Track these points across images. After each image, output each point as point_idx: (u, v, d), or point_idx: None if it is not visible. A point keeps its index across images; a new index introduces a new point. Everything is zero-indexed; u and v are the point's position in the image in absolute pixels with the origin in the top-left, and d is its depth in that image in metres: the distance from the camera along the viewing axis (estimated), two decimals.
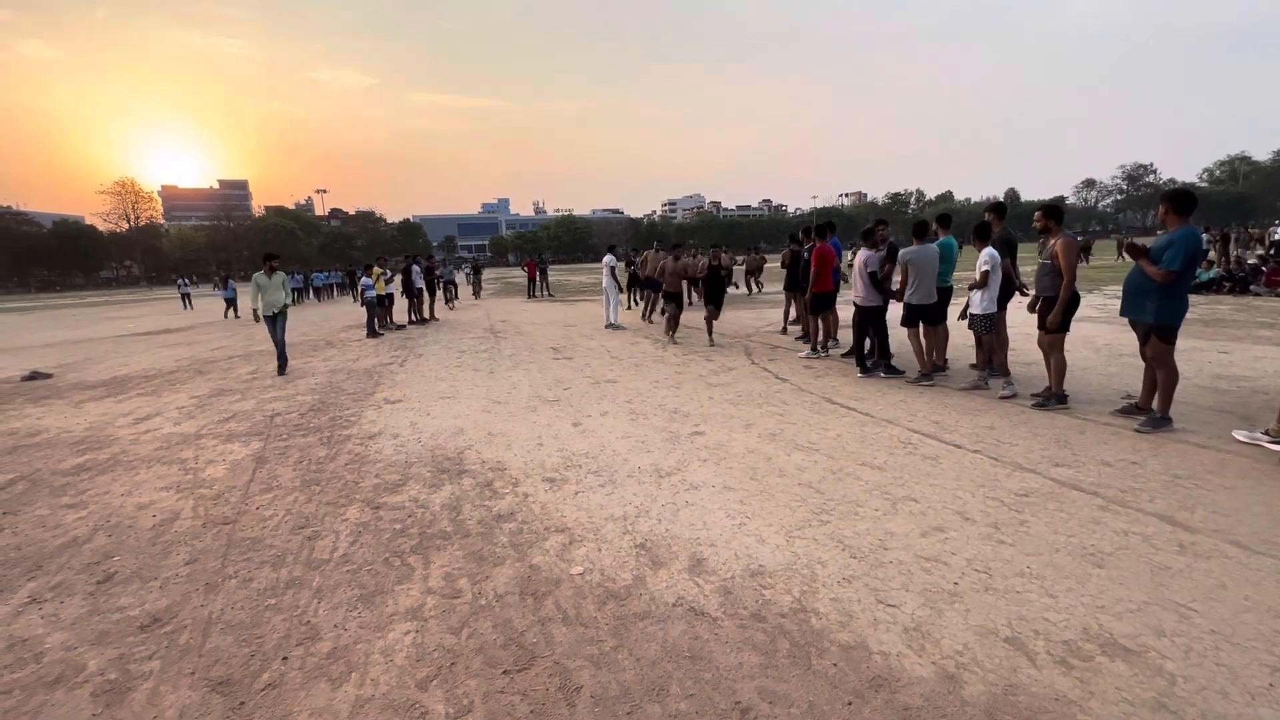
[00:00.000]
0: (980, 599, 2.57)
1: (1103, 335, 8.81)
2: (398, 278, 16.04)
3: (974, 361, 6.68)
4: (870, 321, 6.85)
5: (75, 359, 11.75)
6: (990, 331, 5.90)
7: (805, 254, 8.83)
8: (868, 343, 7.07)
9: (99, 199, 79.37)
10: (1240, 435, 4.27)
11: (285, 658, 2.40)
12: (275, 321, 8.71)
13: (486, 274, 56.67)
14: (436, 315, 16.62)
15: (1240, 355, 7.03)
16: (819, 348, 8.33)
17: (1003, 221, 6.24)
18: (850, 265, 7.52)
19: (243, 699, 2.19)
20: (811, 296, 8.03)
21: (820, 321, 8.30)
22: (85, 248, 74.43)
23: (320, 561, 3.16)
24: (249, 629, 2.60)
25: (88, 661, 2.44)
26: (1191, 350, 7.23)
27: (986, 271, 5.67)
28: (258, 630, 2.59)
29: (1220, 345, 7.64)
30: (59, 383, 9.07)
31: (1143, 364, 4.88)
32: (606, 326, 12.23)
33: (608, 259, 12.49)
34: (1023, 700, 2.01)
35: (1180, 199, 4.47)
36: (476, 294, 24.84)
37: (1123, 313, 4.78)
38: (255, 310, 8.70)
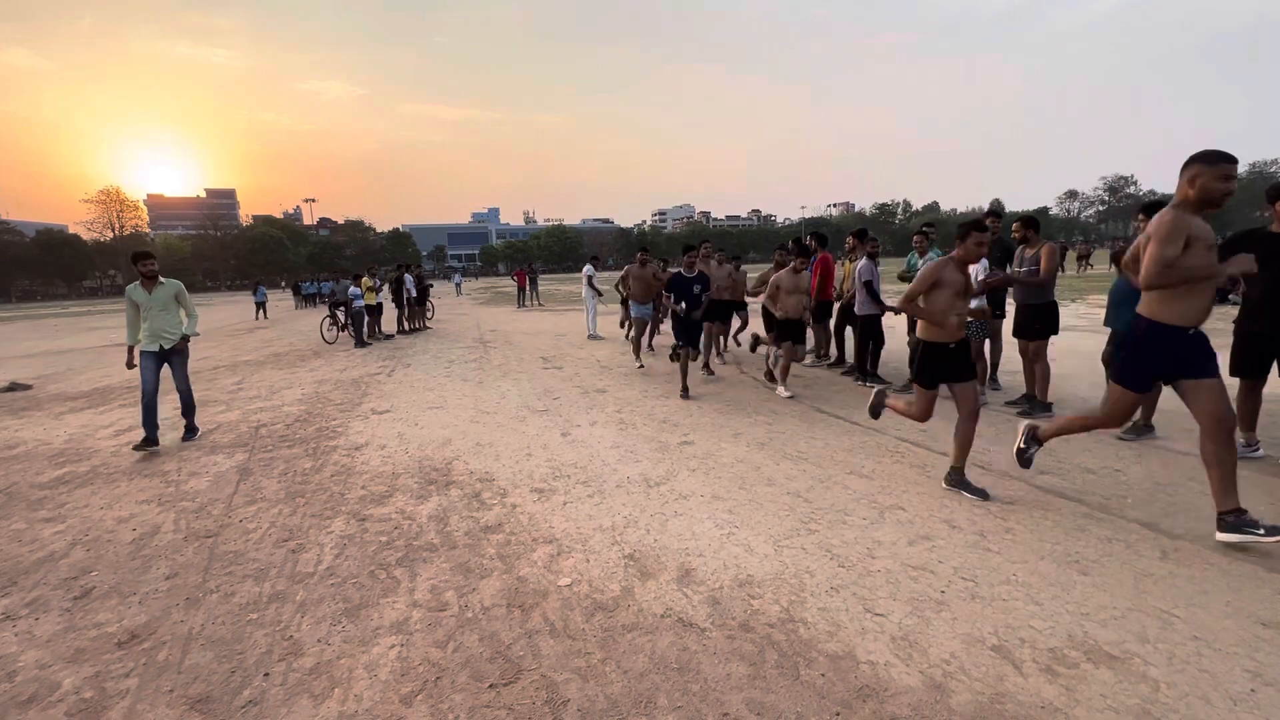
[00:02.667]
0: (967, 607, 2.58)
1: (1087, 344, 8.93)
2: (386, 287, 15.99)
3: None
4: (870, 331, 6.91)
5: (56, 369, 11.56)
6: (987, 337, 6.02)
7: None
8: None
9: (83, 208, 78.87)
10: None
11: (267, 674, 2.36)
12: (164, 363, 5.59)
13: (472, 284, 54.51)
14: (428, 325, 16.57)
15: (1220, 363, 7.14)
16: (821, 355, 8.42)
17: (999, 226, 6.30)
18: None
19: (222, 717, 2.14)
20: (817, 305, 8.09)
21: (820, 330, 8.39)
22: (68, 257, 73.50)
23: (304, 575, 3.11)
24: (230, 645, 2.55)
25: (63, 680, 2.38)
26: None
27: (983, 280, 5.72)
28: (239, 646, 2.54)
29: None
30: (39, 394, 8.92)
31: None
32: (589, 337, 12.34)
33: (587, 269, 12.90)
34: (1009, 709, 2.01)
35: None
36: (407, 322, 15.65)
37: (1108, 323, 4.85)
38: (131, 348, 5.65)
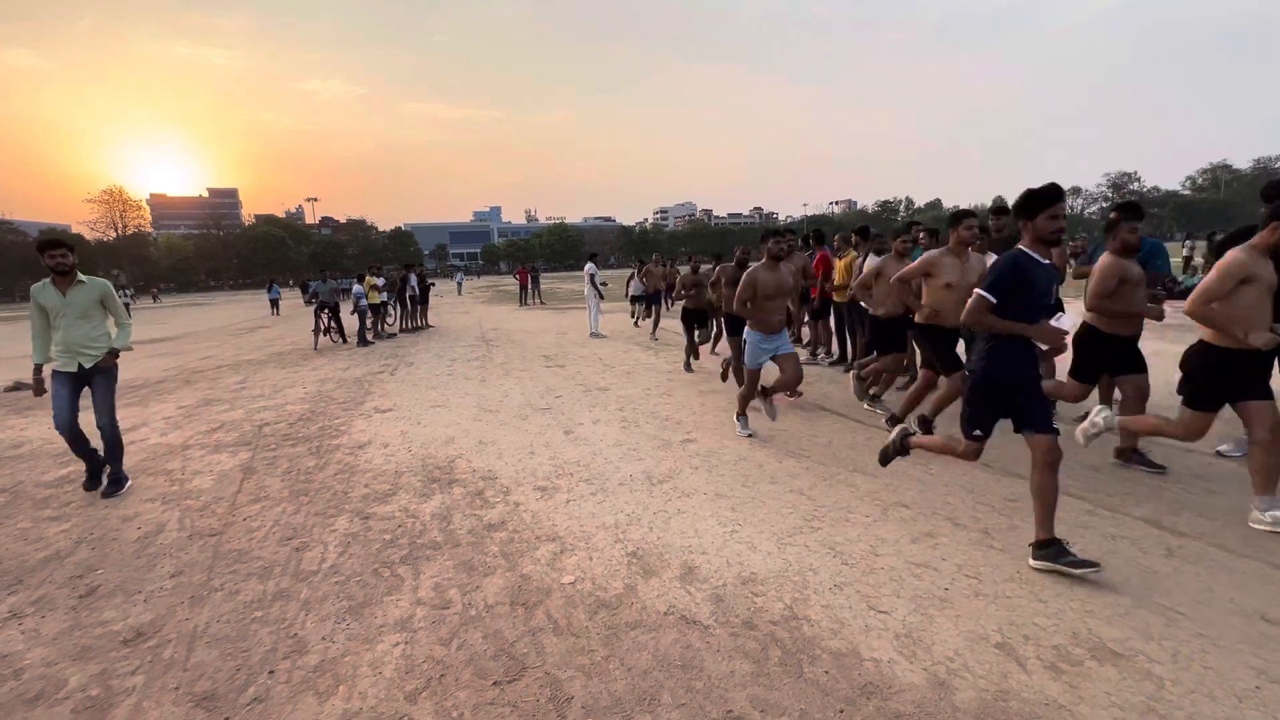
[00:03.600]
0: (971, 605, 2.58)
1: None
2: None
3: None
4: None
5: None
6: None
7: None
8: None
9: (86, 208, 78.95)
10: (1225, 449, 4.19)
11: (271, 671, 2.37)
12: (84, 386, 4.23)
13: (474, 283, 54.01)
14: (431, 323, 16.59)
15: None
16: (816, 353, 8.42)
17: (1004, 221, 6.13)
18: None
19: (228, 714, 2.15)
20: (819, 303, 8.08)
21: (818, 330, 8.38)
22: None
23: (308, 573, 3.12)
24: (235, 642, 2.56)
25: (69, 677, 2.39)
26: (1173, 356, 7.31)
27: None
28: (244, 644, 2.55)
29: None
30: None
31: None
32: (591, 335, 12.35)
33: (589, 267, 12.94)
34: (1014, 706, 2.01)
35: (1143, 211, 4.63)
36: (410, 321, 15.67)
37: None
38: (39, 367, 4.19)
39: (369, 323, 13.37)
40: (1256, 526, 3.13)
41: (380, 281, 14.39)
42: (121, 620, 2.78)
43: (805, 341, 9.52)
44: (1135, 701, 2.01)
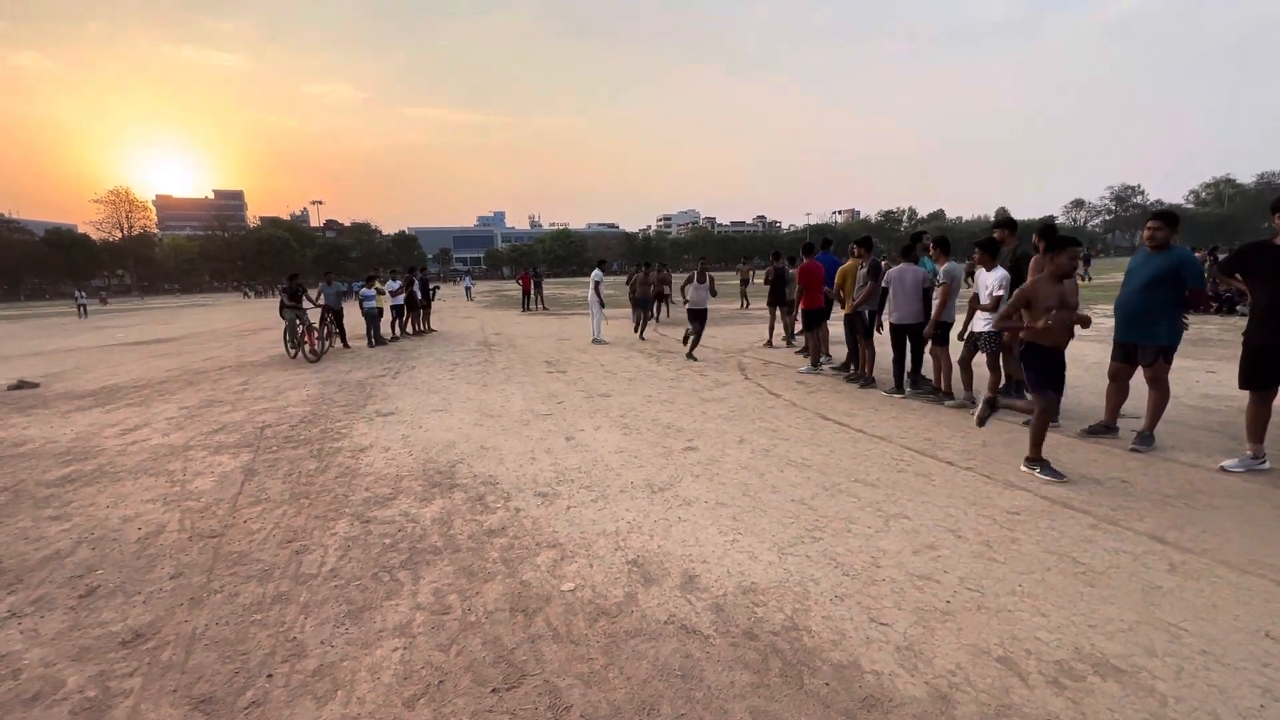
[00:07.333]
0: (972, 618, 2.56)
1: (1093, 354, 8.88)
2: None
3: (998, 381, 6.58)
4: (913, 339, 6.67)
5: (63, 368, 11.62)
6: (999, 350, 5.81)
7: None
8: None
9: (93, 208, 79.12)
10: (1230, 464, 4.15)
11: (270, 675, 2.36)
12: None
13: (477, 287, 53.94)
14: (434, 327, 16.62)
15: (1227, 375, 7.09)
16: (816, 364, 8.40)
17: (1014, 237, 6.04)
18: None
19: (225, 717, 2.14)
20: (803, 314, 8.15)
21: (815, 338, 8.39)
22: (77, 257, 73.83)
23: (308, 576, 3.11)
24: (233, 645, 2.56)
25: (67, 678, 2.39)
26: (1180, 370, 7.29)
27: (1000, 297, 5.49)
28: (242, 646, 2.54)
29: (1208, 365, 7.72)
30: (46, 392, 8.97)
31: (1110, 382, 4.92)
32: (593, 341, 12.36)
33: (595, 274, 13.04)
34: None
35: (1177, 220, 4.59)
36: (413, 325, 15.47)
37: (1128, 338, 4.67)
38: None
39: (394, 324, 13.68)
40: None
41: (394, 285, 14.46)
42: (120, 621, 2.77)
43: (800, 349, 9.55)
44: (1138, 718, 1.99)
